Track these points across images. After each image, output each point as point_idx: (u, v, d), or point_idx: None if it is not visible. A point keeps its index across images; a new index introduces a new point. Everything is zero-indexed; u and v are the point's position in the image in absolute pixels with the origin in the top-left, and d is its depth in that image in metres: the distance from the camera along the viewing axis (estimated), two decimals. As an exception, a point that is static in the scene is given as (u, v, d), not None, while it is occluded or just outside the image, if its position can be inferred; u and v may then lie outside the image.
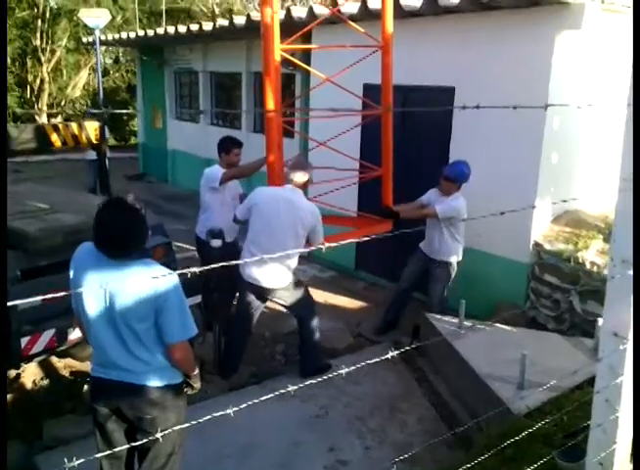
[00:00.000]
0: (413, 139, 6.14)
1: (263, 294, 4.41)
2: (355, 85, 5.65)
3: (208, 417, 1.53)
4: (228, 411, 1.52)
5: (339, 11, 5.96)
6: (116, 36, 12.72)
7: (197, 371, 2.70)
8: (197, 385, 2.74)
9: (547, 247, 5.08)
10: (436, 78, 5.76)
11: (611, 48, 5.26)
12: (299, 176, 4.29)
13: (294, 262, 4.39)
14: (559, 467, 2.45)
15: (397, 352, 1.87)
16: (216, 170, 5.10)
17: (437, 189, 5.03)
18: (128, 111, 18.02)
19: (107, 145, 10.92)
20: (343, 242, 1.71)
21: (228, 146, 5.19)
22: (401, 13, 5.54)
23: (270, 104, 4.68)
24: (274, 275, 4.29)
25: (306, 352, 4.59)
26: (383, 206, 5.17)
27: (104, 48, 18.44)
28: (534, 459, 2.34)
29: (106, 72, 20.76)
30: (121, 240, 2.38)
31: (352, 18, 5.84)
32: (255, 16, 8.57)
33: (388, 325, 5.45)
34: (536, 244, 5.18)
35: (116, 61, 21.64)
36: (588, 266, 4.74)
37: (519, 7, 5.03)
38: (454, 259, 5.05)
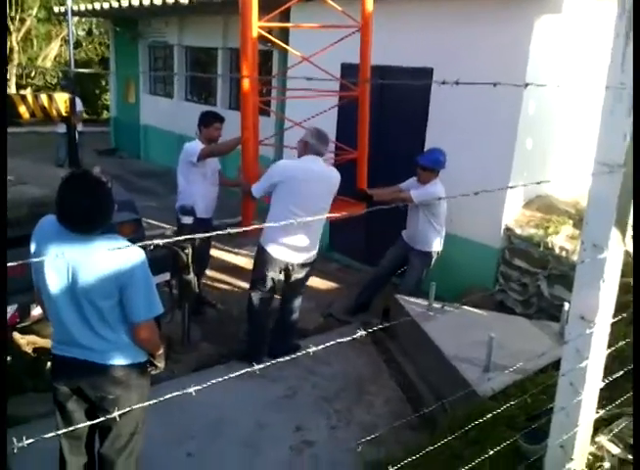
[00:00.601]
0: (390, 121, 6.10)
1: (287, 269, 4.30)
2: (333, 65, 5.59)
3: (170, 396, 1.49)
4: (189, 390, 1.48)
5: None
6: (89, 7, 12.38)
7: (161, 351, 2.64)
8: (161, 365, 2.68)
9: (518, 231, 5.11)
10: (415, 60, 5.71)
11: (590, 33, 5.27)
12: (324, 145, 4.20)
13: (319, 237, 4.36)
14: (522, 449, 2.47)
15: (365, 332, 1.84)
16: (195, 145, 5.00)
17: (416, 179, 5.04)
18: (97, 72, 17.57)
19: (81, 118, 10.65)
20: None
21: (209, 120, 5.10)
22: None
23: (246, 81, 4.58)
24: (306, 251, 4.25)
25: (282, 332, 4.54)
26: (356, 188, 5.13)
27: (76, 19, 17.92)
28: (498, 441, 2.35)
29: (78, 44, 20.22)
30: (85, 214, 2.28)
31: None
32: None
33: (359, 307, 5.45)
34: (507, 228, 5.21)
35: (90, 33, 21.08)
36: (557, 251, 4.79)
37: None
38: (433, 249, 5.05)
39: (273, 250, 4.18)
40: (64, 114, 11.02)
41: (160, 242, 1.51)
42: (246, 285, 5.76)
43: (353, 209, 4.99)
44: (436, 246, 5.06)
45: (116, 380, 2.46)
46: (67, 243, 2.32)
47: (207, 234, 1.47)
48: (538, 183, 2.28)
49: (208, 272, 5.83)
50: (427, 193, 4.82)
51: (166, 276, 4.49)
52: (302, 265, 4.31)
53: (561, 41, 5.16)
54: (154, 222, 7.49)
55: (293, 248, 4.18)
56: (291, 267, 4.28)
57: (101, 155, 12.79)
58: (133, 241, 2.72)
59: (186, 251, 4.39)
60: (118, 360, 2.46)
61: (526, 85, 1.69)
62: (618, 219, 2.19)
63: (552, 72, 5.12)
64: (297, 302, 4.51)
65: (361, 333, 1.78)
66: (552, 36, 5.07)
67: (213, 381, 1.53)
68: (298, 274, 4.34)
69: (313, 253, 4.32)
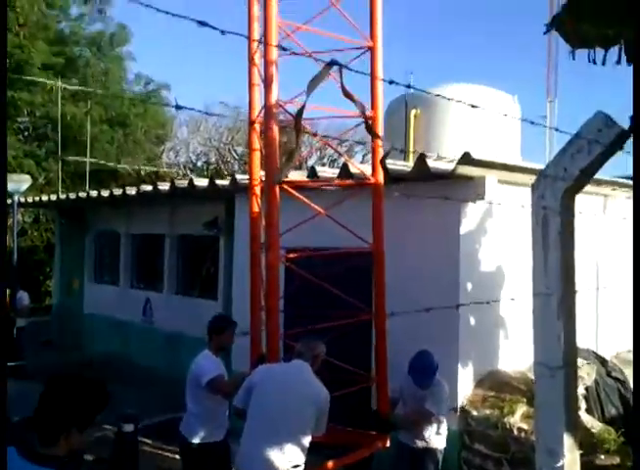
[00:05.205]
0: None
1: None
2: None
3: None
4: None
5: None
6: (37, 199, 12.67)
7: None
8: None
9: (474, 413, 5.03)
10: (356, 241, 5.91)
11: (511, 214, 5.70)
12: (310, 349, 3.83)
13: (302, 457, 3.63)
14: None
15: None
16: (207, 363, 4.55)
17: (409, 379, 4.59)
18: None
19: (27, 313, 10.47)
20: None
21: (222, 327, 4.72)
22: (319, 182, 5.76)
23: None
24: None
25: None
26: (377, 414, 4.72)
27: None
28: None
29: (24, 232, 20.35)
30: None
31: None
32: (180, 183, 8.86)
33: None
34: (463, 410, 5.12)
35: (36, 220, 21.36)
36: (516, 433, 4.69)
37: (427, 180, 5.44)
38: (440, 445, 4.61)
39: (240, 463, 3.71)
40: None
41: None
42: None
43: (377, 444, 4.60)
44: (443, 441, 4.64)
45: None
46: None
47: None
48: (488, 303, 2.27)
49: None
50: (442, 400, 4.48)
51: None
52: None
53: (487, 222, 5.57)
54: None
55: (260, 465, 3.57)
56: None
57: (43, 345, 12.30)
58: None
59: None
60: None
61: (458, 306, 1.74)
62: (569, 422, 2.17)
63: (483, 250, 5.46)
64: None
65: None
66: (479, 219, 5.48)
67: None
68: None
69: None
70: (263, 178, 4.76)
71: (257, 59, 5.10)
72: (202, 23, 1.22)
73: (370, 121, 4.74)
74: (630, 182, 6.74)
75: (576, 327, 2.35)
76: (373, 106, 4.79)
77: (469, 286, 5.33)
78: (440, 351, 5.17)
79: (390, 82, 1.74)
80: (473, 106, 2.09)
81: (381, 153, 4.86)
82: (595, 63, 3.39)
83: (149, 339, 10.19)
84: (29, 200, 12.87)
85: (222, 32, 1.25)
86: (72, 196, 11.39)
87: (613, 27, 2.40)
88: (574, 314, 2.39)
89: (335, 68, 3.52)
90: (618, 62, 3.34)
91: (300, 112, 3.86)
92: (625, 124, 2.69)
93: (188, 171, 22.45)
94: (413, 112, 8.27)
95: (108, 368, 10.25)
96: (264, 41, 4.41)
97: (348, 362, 4.78)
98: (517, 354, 5.65)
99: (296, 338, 4.11)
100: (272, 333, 4.31)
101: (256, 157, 5.22)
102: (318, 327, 4.54)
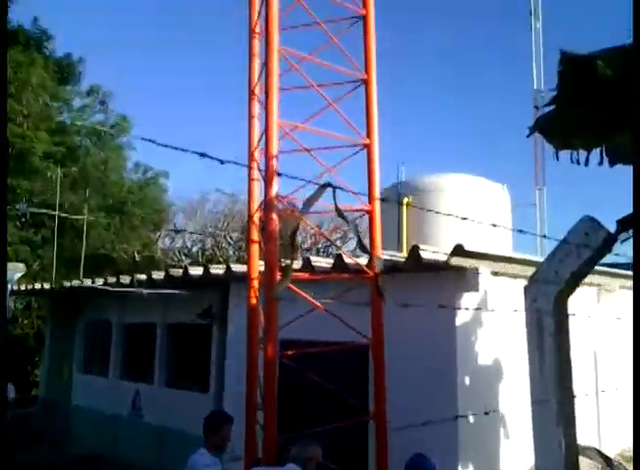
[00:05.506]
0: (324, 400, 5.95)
1: None
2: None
3: None
4: None
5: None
6: (30, 287, 12.59)
7: None
8: None
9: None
10: (353, 335, 5.85)
11: (505, 304, 5.70)
12: (304, 453, 3.77)
13: None
14: None
15: None
16: (202, 460, 4.33)
17: None
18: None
19: (10, 406, 10.17)
20: None
21: (216, 425, 4.48)
22: (316, 275, 5.77)
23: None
24: None
25: None
26: None
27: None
28: None
29: (14, 319, 20.10)
30: None
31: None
32: (174, 272, 8.86)
33: None
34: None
35: (28, 307, 21.17)
36: None
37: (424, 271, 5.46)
38: None
39: None
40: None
41: None
42: None
43: None
44: None
45: None
46: None
47: None
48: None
49: None
50: None
51: None
52: None
53: (482, 314, 5.55)
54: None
55: None
56: None
57: (32, 441, 11.83)
58: None
59: None
60: None
61: (457, 418, 1.73)
62: None
63: (479, 342, 5.41)
64: None
65: None
66: (473, 310, 5.47)
67: None
68: None
69: None
70: (262, 268, 4.80)
71: (257, 154, 5.26)
72: (202, 155, 1.29)
73: (367, 215, 4.87)
74: (622, 271, 6.81)
75: (577, 429, 2.30)
76: (370, 200, 4.86)
77: (467, 380, 5.23)
78: (440, 453, 4.97)
79: (382, 200, 1.79)
80: (463, 218, 2.15)
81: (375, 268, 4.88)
82: (578, 163, 3.52)
83: (138, 433, 9.82)
84: (22, 287, 12.73)
85: (221, 162, 1.32)
86: (66, 284, 11.32)
87: (595, 139, 2.52)
88: (574, 419, 2.34)
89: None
90: (601, 163, 3.48)
91: (295, 231, 3.96)
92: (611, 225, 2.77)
93: (183, 257, 22.58)
94: (405, 200, 8.46)
95: (96, 466, 9.85)
96: (265, 138, 4.57)
97: (344, 466, 4.57)
98: (517, 454, 5.46)
99: (292, 440, 3.97)
100: (269, 437, 4.17)
101: (255, 249, 5.27)
102: (315, 430, 4.34)
